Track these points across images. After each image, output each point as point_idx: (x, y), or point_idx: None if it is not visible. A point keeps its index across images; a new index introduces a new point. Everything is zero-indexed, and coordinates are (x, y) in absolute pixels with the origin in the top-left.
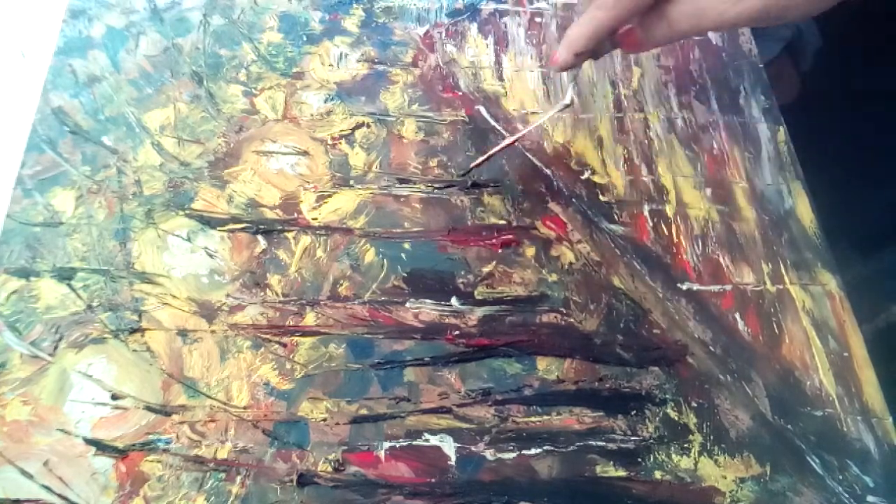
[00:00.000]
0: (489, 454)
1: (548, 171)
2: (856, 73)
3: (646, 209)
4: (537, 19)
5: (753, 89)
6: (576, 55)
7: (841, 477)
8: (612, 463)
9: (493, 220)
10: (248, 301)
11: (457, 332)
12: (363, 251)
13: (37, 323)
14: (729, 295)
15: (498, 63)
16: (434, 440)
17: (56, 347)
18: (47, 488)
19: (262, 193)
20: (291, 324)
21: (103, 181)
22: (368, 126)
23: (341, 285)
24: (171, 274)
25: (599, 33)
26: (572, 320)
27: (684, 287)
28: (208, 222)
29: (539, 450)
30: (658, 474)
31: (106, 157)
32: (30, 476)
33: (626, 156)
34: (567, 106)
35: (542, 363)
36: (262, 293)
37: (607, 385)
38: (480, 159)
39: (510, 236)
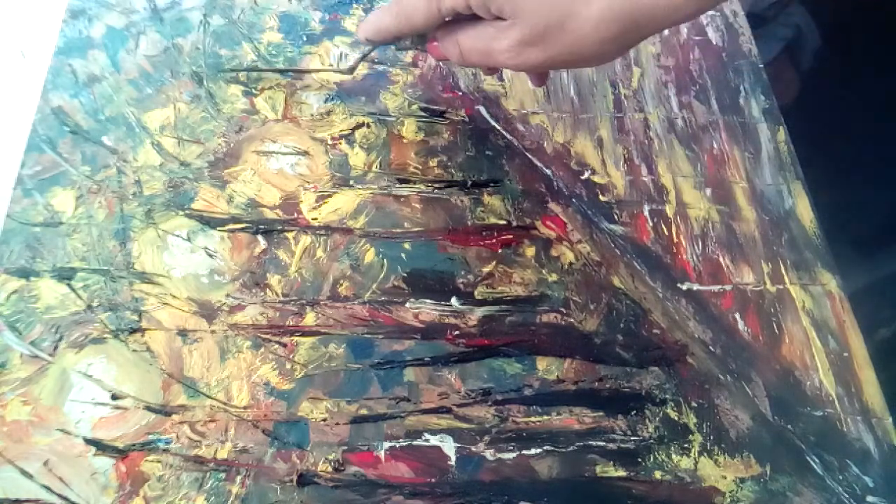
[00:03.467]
0: (489, 454)
1: (548, 171)
2: (856, 73)
3: (646, 209)
4: None
5: (753, 89)
6: (366, 39)
7: (841, 477)
8: (612, 463)
9: (492, 220)
10: (248, 301)
11: (457, 332)
12: (363, 251)
13: (37, 323)
14: (729, 295)
15: None
16: (434, 440)
17: (56, 347)
18: (47, 488)
19: (262, 193)
20: (291, 324)
21: (103, 181)
22: (368, 126)
23: (341, 285)
24: (170, 274)
25: (384, 36)
26: (572, 320)
27: (684, 287)
28: (208, 222)
29: (539, 450)
30: (658, 474)
31: (106, 157)
32: (30, 476)
33: (626, 156)
34: (343, 73)
35: (541, 363)
36: (262, 293)
37: (607, 385)
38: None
39: (510, 236)
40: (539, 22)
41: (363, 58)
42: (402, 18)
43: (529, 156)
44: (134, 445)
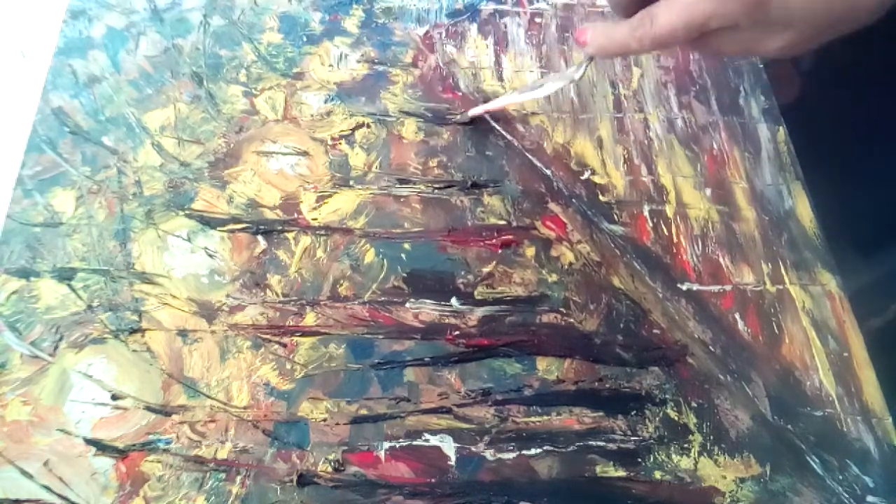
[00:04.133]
0: (489, 454)
1: (548, 172)
2: (856, 73)
3: (646, 209)
4: (537, 20)
5: (753, 89)
6: (598, 56)
7: (841, 477)
8: (612, 463)
9: (492, 220)
10: (248, 301)
11: (457, 333)
12: (363, 251)
13: (37, 323)
14: (729, 295)
15: (498, 64)
16: (434, 440)
17: (56, 347)
18: (47, 488)
19: (262, 194)
20: (291, 324)
21: (103, 181)
22: (368, 126)
23: (341, 285)
24: (171, 274)
25: (623, 55)
26: (572, 320)
27: (684, 287)
28: (208, 222)
29: (539, 450)
30: (658, 474)
31: (106, 157)
32: (30, 476)
33: (626, 156)
34: (573, 81)
35: (541, 363)
36: (262, 293)
37: (607, 385)
38: (481, 109)
39: (510, 236)
40: (818, 24)
41: (590, 62)
42: (655, 44)
43: (529, 156)
44: (134, 445)
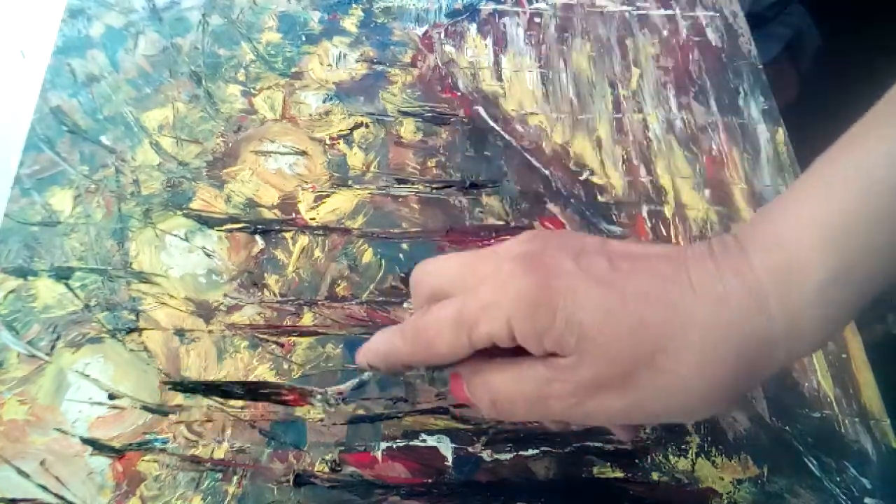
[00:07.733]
0: (486, 455)
1: (546, 172)
2: (856, 73)
3: (644, 210)
4: (536, 20)
5: (753, 90)
6: (369, 365)
7: (839, 479)
8: (609, 464)
9: (491, 220)
10: (245, 301)
11: None
12: (361, 251)
13: (34, 322)
14: None
15: (497, 63)
16: (431, 441)
17: (53, 347)
18: (44, 488)
19: (261, 193)
20: (289, 324)
21: (101, 181)
22: (367, 126)
23: (339, 285)
24: (168, 273)
25: (392, 363)
26: None
27: None
28: (206, 222)
29: (536, 450)
30: (655, 475)
31: (104, 156)
32: (26, 475)
33: (625, 156)
34: (330, 407)
35: None
36: (260, 293)
37: None
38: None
39: (508, 237)
40: (619, 357)
41: (360, 387)
42: (418, 345)
43: (528, 156)
44: (131, 445)
